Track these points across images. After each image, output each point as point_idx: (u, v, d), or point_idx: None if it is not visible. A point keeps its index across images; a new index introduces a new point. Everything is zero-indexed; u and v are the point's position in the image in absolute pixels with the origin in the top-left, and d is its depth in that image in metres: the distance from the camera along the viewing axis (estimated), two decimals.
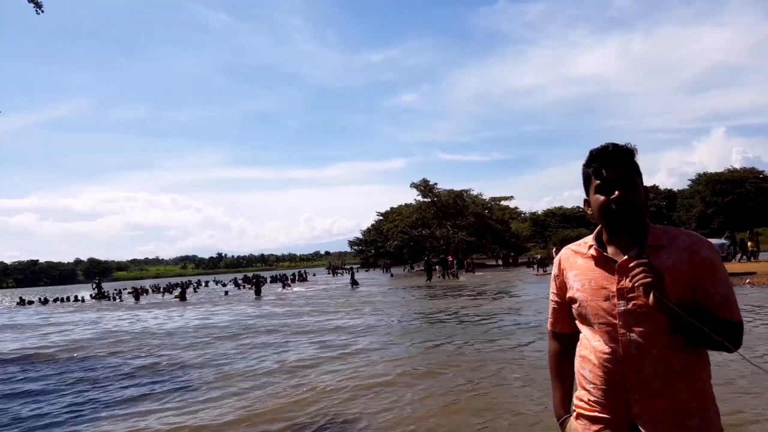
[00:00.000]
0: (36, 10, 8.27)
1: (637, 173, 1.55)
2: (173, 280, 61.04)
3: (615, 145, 1.55)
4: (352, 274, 32.64)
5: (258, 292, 26.07)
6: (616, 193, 1.50)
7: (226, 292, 31.28)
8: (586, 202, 1.64)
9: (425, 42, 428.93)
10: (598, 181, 1.55)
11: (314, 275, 56.04)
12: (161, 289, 40.01)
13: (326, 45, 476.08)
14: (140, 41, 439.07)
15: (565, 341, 1.79)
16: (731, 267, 17.55)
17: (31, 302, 35.24)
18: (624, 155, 1.54)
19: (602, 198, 1.53)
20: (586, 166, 1.60)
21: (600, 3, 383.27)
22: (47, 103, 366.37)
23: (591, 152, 1.59)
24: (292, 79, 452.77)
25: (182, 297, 27.09)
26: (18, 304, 35.29)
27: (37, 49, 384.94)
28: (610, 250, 1.57)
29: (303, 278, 44.92)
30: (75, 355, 10.33)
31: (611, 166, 1.53)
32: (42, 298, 36.22)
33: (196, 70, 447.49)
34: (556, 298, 1.78)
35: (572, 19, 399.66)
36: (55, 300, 35.50)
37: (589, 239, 1.65)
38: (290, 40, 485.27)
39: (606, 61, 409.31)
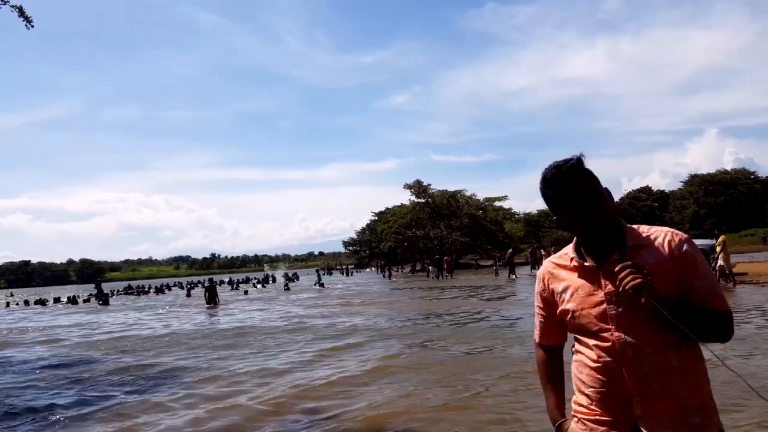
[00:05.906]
0: (26, 26, 8.61)
1: (594, 180, 1.54)
2: (166, 281, 60.80)
3: (566, 163, 1.52)
4: (319, 276, 31.78)
5: (212, 300, 21.60)
6: (590, 208, 1.50)
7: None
8: (557, 221, 1.62)
9: (415, 44, 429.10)
10: (566, 202, 1.53)
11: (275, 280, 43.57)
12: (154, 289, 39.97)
13: (317, 46, 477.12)
14: (132, 42, 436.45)
15: (553, 351, 1.81)
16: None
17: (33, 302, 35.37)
18: (577, 169, 1.51)
19: (578, 217, 1.52)
20: (546, 188, 1.56)
21: (589, 5, 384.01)
22: (39, 104, 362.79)
23: (545, 176, 1.55)
24: (284, 80, 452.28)
25: (105, 302, 27.85)
26: (56, 301, 34.99)
27: (28, 50, 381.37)
28: (590, 258, 1.58)
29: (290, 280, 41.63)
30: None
31: (572, 184, 1.51)
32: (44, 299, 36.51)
33: (188, 70, 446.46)
34: (543, 312, 1.77)
35: (561, 21, 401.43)
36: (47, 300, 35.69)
37: (569, 251, 1.65)
38: (282, 41, 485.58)
39: (596, 63, 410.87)
